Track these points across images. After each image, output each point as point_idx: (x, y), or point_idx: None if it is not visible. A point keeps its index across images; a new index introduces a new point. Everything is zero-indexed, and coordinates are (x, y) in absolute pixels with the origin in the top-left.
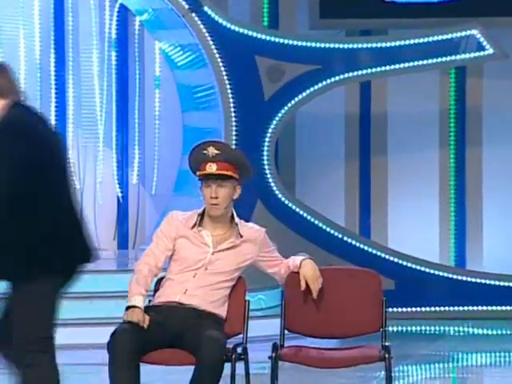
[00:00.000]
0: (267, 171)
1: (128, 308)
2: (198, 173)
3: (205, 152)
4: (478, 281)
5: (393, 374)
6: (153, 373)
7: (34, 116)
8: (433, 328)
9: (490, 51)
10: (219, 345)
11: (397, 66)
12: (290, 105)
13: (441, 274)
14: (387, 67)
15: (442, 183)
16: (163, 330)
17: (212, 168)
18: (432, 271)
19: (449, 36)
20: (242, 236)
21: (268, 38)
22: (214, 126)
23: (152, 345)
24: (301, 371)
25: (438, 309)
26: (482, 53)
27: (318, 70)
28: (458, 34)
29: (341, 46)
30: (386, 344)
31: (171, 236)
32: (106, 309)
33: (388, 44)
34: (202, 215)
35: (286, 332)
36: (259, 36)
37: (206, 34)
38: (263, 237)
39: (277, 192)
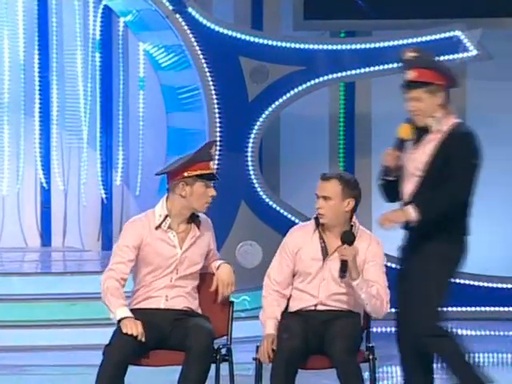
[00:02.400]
0: (251, 172)
1: (120, 320)
2: (199, 172)
3: (210, 151)
4: (461, 282)
5: (377, 375)
6: (139, 374)
7: None
8: None
9: (474, 52)
10: (207, 332)
11: (381, 67)
12: (274, 106)
13: None
14: (371, 68)
15: None
16: (151, 331)
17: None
18: None
19: (432, 37)
20: (199, 226)
21: (252, 39)
22: (198, 127)
23: (141, 348)
24: None
25: None
26: (465, 54)
27: (302, 71)
28: (442, 35)
29: (325, 47)
30: (371, 345)
31: (135, 245)
32: (90, 310)
33: (372, 45)
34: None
35: None
36: (243, 37)
37: (190, 35)
38: (211, 224)
39: (261, 193)
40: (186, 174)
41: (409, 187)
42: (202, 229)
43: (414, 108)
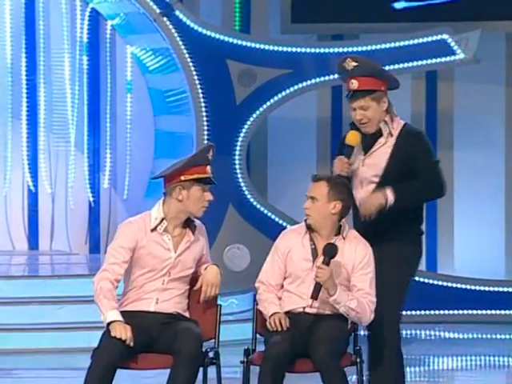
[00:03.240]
0: (239, 175)
1: (109, 323)
2: (196, 176)
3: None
4: (450, 285)
5: (364, 378)
6: (128, 377)
7: None
8: (404, 332)
9: (461, 55)
10: (196, 336)
11: None
12: (261, 109)
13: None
14: None
15: None
16: (139, 334)
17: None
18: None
19: (420, 40)
20: (194, 232)
21: (240, 42)
22: (186, 131)
23: (130, 351)
24: None
25: (409, 312)
26: (452, 57)
27: (289, 74)
28: (429, 39)
29: (312, 50)
30: (358, 348)
31: (130, 247)
32: (78, 313)
33: (359, 48)
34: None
35: (258, 336)
36: (231, 40)
37: (178, 39)
38: (205, 230)
39: (249, 196)
40: (182, 178)
41: (362, 195)
42: (197, 234)
43: (362, 117)
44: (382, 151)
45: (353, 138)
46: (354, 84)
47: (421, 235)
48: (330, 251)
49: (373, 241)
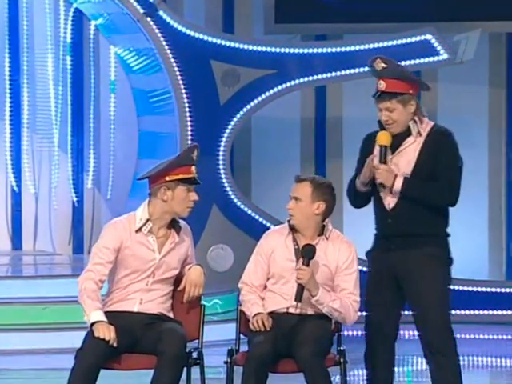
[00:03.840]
0: (223, 175)
1: (93, 324)
2: (181, 176)
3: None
4: None
5: (348, 378)
6: (111, 378)
7: None
8: None
9: (445, 56)
10: (180, 336)
11: (352, 71)
12: (245, 109)
13: None
14: (342, 72)
15: None
16: (123, 335)
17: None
18: None
19: (404, 41)
20: (179, 232)
21: (223, 42)
22: (170, 131)
23: (113, 352)
24: None
25: None
26: (436, 57)
27: (273, 74)
28: (413, 39)
29: (296, 50)
30: (342, 348)
31: (115, 247)
32: (62, 314)
33: (343, 49)
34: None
35: (241, 336)
36: (214, 41)
37: (162, 39)
38: (190, 231)
39: (232, 196)
40: (167, 179)
41: (389, 196)
42: (182, 235)
43: (387, 118)
44: (411, 150)
45: (384, 137)
46: (382, 85)
47: (447, 237)
48: (309, 252)
49: (403, 247)
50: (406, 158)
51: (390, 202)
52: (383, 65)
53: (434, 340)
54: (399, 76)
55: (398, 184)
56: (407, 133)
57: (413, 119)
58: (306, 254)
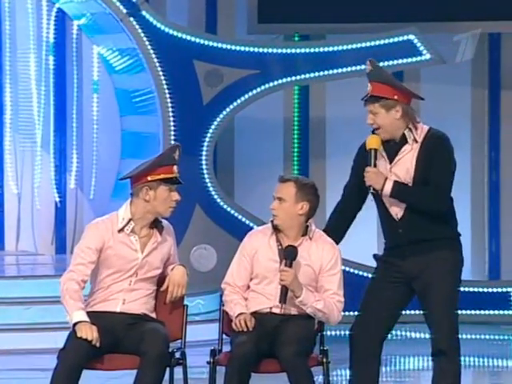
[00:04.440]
0: (206, 175)
1: (75, 324)
2: (163, 176)
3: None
4: None
5: (331, 378)
6: (94, 377)
7: None
8: None
9: (427, 56)
10: (162, 337)
11: (335, 71)
12: (228, 109)
13: None
14: (325, 72)
15: None
16: (105, 335)
17: None
18: (369, 275)
19: (386, 41)
20: (161, 232)
21: (206, 42)
22: (153, 131)
23: (96, 352)
24: None
25: None
26: (419, 58)
27: (256, 74)
28: (396, 39)
29: (279, 50)
30: (325, 348)
31: (97, 248)
32: (44, 314)
33: (326, 49)
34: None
35: (224, 337)
36: (197, 41)
37: (144, 39)
38: (173, 231)
39: (215, 196)
40: (149, 178)
41: (394, 205)
42: (164, 234)
43: (371, 121)
44: (408, 158)
45: (374, 141)
46: (369, 88)
47: (458, 238)
48: (291, 253)
49: (418, 254)
50: (405, 167)
51: (397, 212)
52: (370, 67)
53: (439, 340)
54: (384, 81)
55: (388, 187)
56: (403, 141)
57: (407, 127)
58: (289, 255)
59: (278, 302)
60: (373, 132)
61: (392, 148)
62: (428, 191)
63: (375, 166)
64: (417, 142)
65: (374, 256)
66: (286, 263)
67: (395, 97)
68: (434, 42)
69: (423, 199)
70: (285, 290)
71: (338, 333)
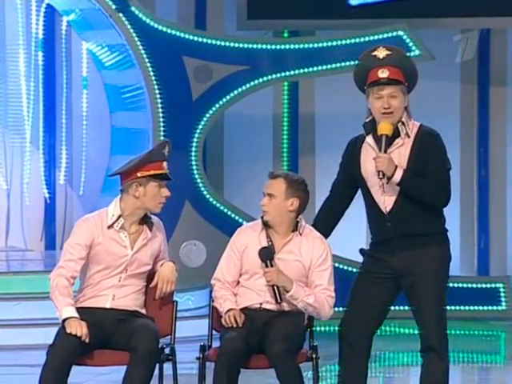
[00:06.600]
0: (195, 171)
1: (65, 320)
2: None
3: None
4: None
5: (320, 374)
6: (84, 373)
7: None
8: None
9: (417, 52)
10: (152, 332)
11: (324, 67)
12: (217, 105)
13: None
14: (315, 68)
15: None
16: (95, 331)
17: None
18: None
19: (376, 37)
20: (151, 228)
21: (195, 38)
22: (142, 127)
23: (85, 348)
24: None
25: None
26: (408, 54)
27: (245, 70)
28: (385, 35)
29: (268, 46)
30: (314, 344)
31: (87, 244)
32: (33, 310)
33: (315, 45)
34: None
35: (214, 332)
36: (187, 36)
37: (134, 35)
38: (162, 226)
39: (205, 192)
40: (139, 175)
41: (385, 198)
42: (154, 230)
43: (387, 105)
44: (401, 152)
45: (386, 126)
46: (385, 72)
47: (446, 234)
48: (267, 254)
49: (408, 249)
50: (396, 160)
51: (386, 204)
52: (387, 52)
53: (428, 336)
54: (401, 65)
55: (398, 175)
56: (396, 134)
57: (401, 120)
58: (266, 256)
59: (275, 302)
60: (367, 132)
61: (381, 139)
62: (434, 185)
63: (385, 151)
64: (409, 136)
65: (361, 250)
66: (267, 265)
67: (406, 84)
68: (433, 41)
69: (429, 192)
70: (276, 289)
71: (327, 328)
